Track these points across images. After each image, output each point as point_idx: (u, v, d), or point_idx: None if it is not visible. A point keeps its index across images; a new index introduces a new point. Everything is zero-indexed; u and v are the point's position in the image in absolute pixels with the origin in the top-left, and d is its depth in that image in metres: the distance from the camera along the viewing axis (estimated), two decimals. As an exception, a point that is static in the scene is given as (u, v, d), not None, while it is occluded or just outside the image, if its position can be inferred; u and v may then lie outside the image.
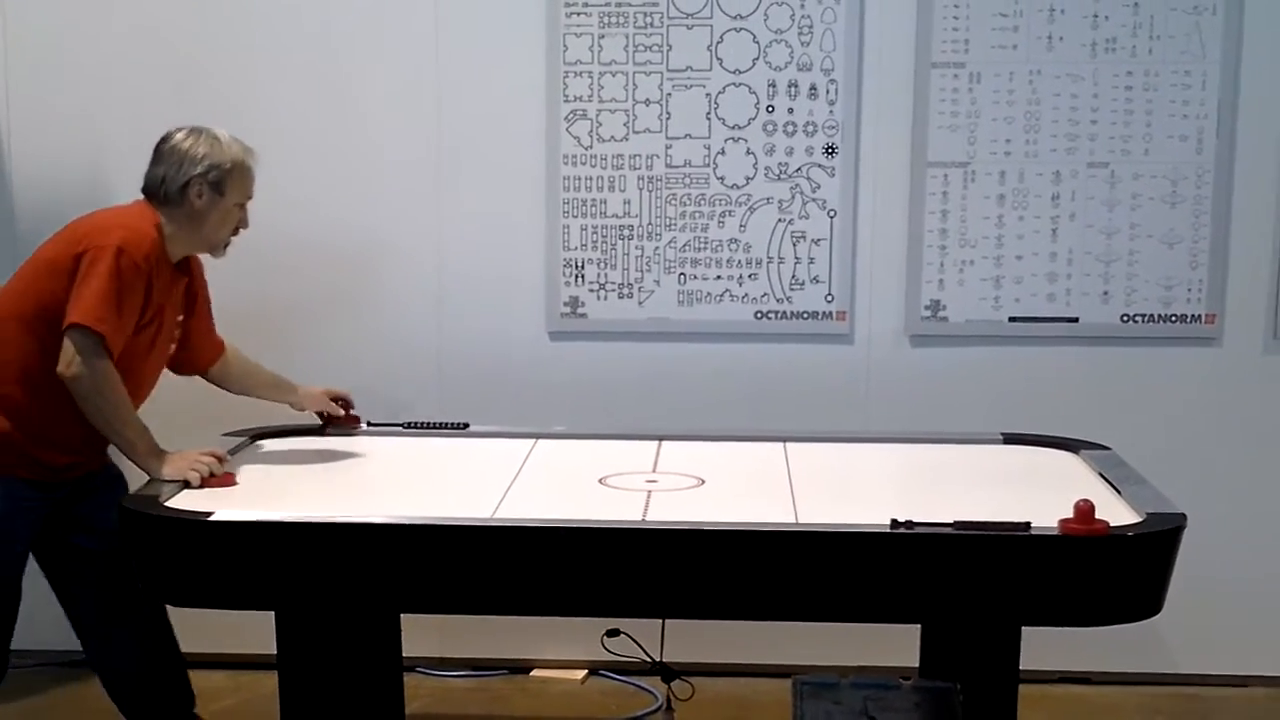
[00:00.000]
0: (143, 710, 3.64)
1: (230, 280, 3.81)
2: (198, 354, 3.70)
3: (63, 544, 3.50)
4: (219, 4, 4.50)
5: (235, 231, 3.53)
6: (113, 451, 3.49)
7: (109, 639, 3.60)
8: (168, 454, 3.36)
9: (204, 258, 3.61)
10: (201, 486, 3.30)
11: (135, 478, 3.51)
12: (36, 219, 4.54)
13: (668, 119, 4.47)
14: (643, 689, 4.53)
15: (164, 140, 3.50)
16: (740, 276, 4.51)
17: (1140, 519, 3.03)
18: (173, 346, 3.57)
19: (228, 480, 3.36)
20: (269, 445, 3.81)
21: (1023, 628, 3.16)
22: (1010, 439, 3.87)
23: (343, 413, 3.93)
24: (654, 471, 3.58)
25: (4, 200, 4.60)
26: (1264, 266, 4.42)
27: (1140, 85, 4.34)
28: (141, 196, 3.49)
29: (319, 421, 3.93)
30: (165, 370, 3.61)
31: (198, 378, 3.77)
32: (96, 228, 3.37)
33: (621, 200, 4.51)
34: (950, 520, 2.92)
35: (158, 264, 3.38)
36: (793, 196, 4.48)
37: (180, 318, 3.57)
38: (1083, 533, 2.89)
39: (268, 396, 3.87)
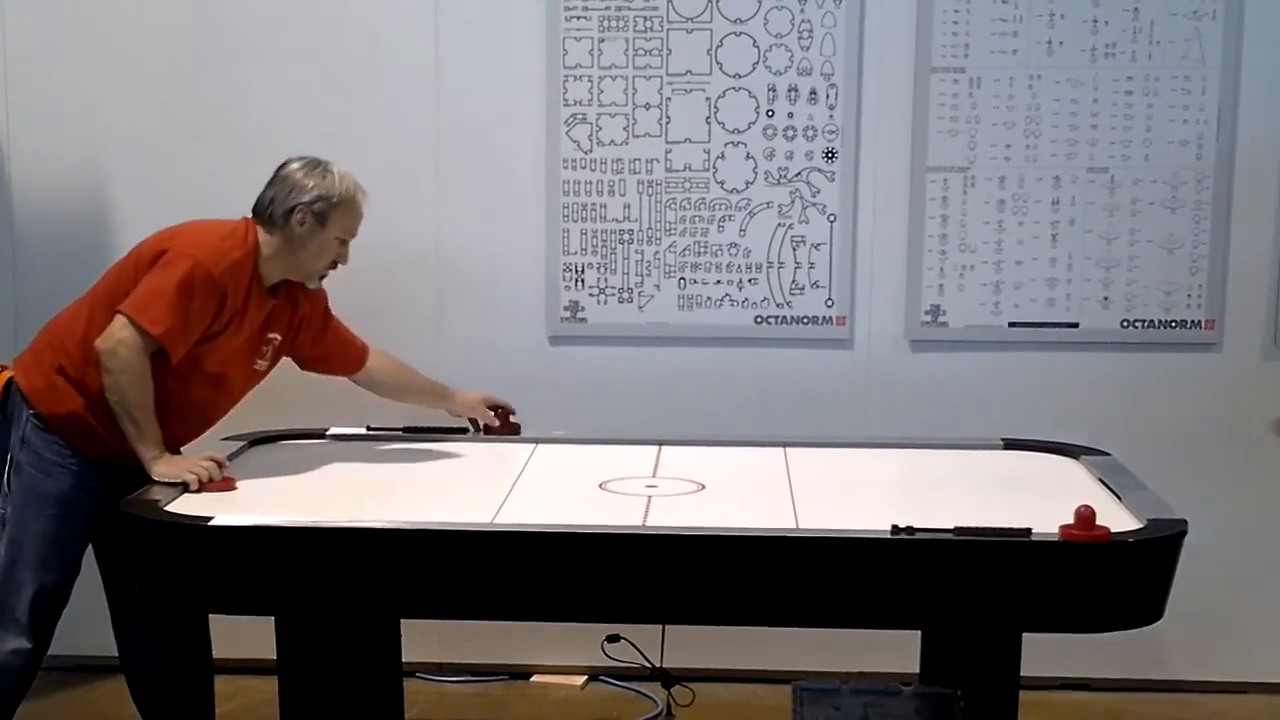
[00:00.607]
0: (163, 714, 3.69)
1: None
2: (338, 363, 3.85)
3: (119, 538, 3.51)
4: (218, 10, 4.50)
5: (333, 265, 3.60)
6: None
7: (147, 639, 3.66)
8: (169, 456, 3.37)
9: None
10: (200, 491, 3.30)
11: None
12: (35, 221, 4.55)
13: (668, 123, 4.47)
14: (643, 695, 4.52)
15: (282, 166, 3.58)
16: (740, 281, 4.51)
17: (1141, 525, 3.03)
18: (262, 363, 3.63)
19: (227, 485, 3.36)
20: (268, 450, 3.80)
21: (1023, 634, 3.15)
22: (1010, 444, 3.86)
23: (498, 422, 3.94)
24: (654, 477, 3.57)
25: (3, 202, 4.59)
26: (1264, 272, 4.42)
27: (1140, 90, 4.34)
28: (250, 215, 3.56)
29: (473, 430, 3.96)
30: None
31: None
32: (190, 233, 3.46)
33: (621, 204, 4.51)
34: (951, 526, 2.92)
35: (238, 281, 3.44)
36: (793, 201, 4.48)
37: (276, 337, 3.63)
38: (1083, 539, 2.89)
39: (422, 403, 3.94)
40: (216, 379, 3.52)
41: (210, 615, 3.17)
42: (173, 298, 3.32)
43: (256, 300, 3.51)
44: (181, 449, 3.53)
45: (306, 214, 3.49)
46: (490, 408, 3.95)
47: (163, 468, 3.33)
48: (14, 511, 3.47)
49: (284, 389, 4.36)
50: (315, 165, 3.55)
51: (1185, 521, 3.05)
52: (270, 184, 3.56)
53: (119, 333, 3.31)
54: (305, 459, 3.72)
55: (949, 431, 4.13)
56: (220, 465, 3.39)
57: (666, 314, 4.54)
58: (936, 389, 4.51)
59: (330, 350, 3.81)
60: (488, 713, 4.51)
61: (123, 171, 4.54)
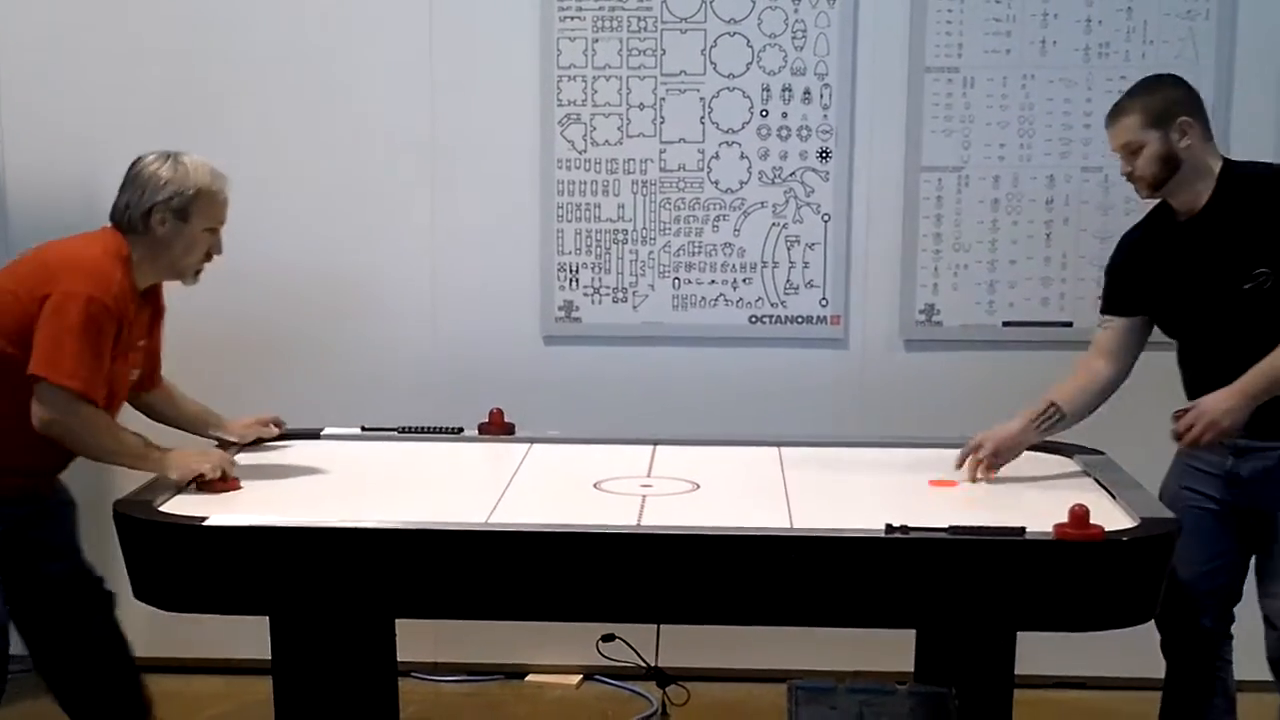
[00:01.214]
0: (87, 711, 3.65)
1: (224, 287, 3.79)
2: (147, 371, 3.63)
3: (31, 571, 3.49)
4: (211, 13, 4.50)
5: (208, 258, 3.48)
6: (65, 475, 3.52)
7: (63, 653, 3.59)
8: (169, 456, 3.34)
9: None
10: (209, 489, 3.29)
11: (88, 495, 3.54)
12: (29, 226, 4.54)
13: (662, 123, 4.47)
14: (638, 694, 4.53)
15: (133, 165, 3.45)
16: (734, 281, 4.51)
17: (1135, 524, 3.03)
18: (136, 372, 3.54)
19: (234, 485, 3.35)
20: (263, 450, 3.80)
21: (1018, 632, 3.16)
22: (1005, 443, 3.86)
23: (276, 430, 3.83)
24: (649, 476, 3.57)
25: (-3, 206, 4.59)
26: (1257, 271, 4.42)
27: (1134, 90, 4.34)
28: (109, 223, 3.45)
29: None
30: None
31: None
32: (65, 266, 3.29)
33: (616, 204, 4.51)
34: (945, 525, 2.92)
35: (126, 301, 3.33)
36: (787, 201, 4.48)
37: (142, 342, 3.53)
38: (1077, 537, 2.89)
39: (193, 429, 3.77)
40: (106, 399, 3.38)
41: (203, 615, 3.15)
42: (78, 346, 3.20)
43: (137, 312, 3.42)
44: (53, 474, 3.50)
45: (165, 212, 3.37)
46: (263, 424, 3.82)
47: (175, 474, 3.29)
48: None
49: (278, 389, 4.37)
50: (165, 158, 3.41)
51: (1179, 520, 3.06)
52: (124, 188, 3.42)
53: (46, 407, 3.20)
54: (300, 459, 3.72)
55: (943, 430, 4.11)
56: (231, 463, 3.39)
57: (661, 314, 4.54)
58: (931, 388, 4.51)
59: (151, 354, 3.64)
60: (483, 712, 4.51)
61: (117, 176, 4.51)
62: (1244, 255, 3.29)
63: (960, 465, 3.47)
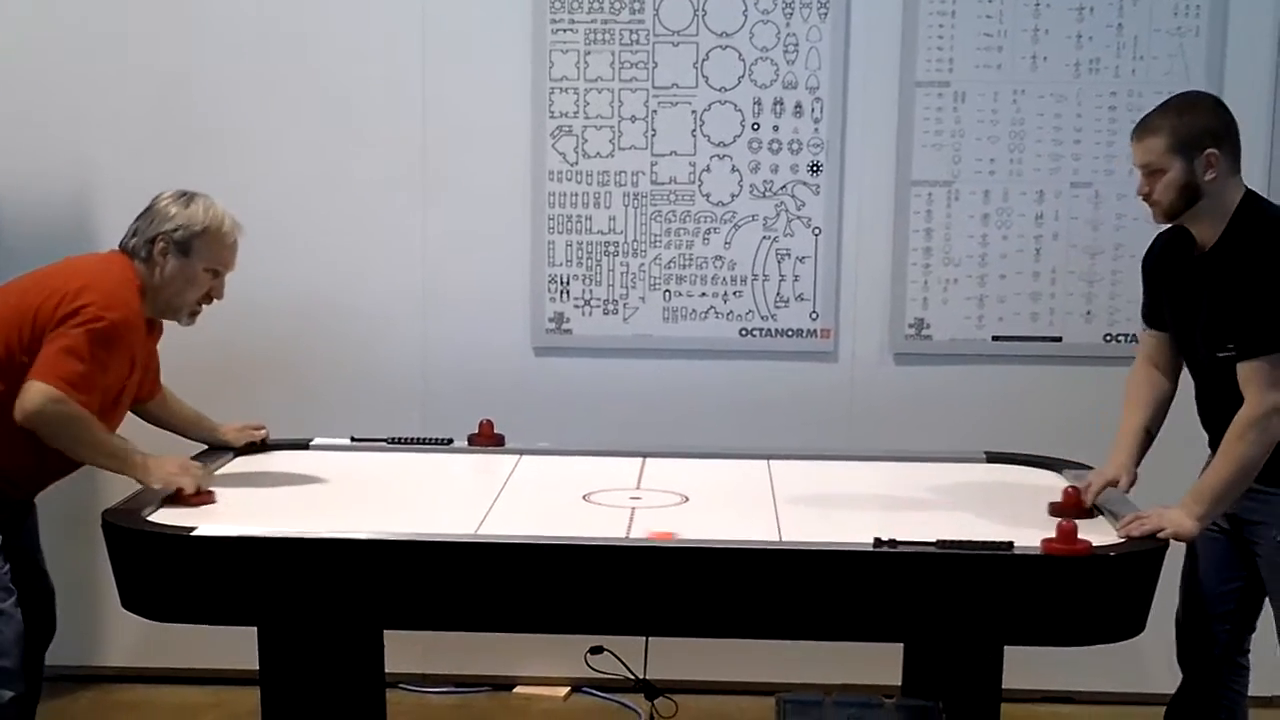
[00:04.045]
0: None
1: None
2: (148, 384, 3.67)
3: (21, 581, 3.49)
4: (203, 22, 4.49)
5: (207, 300, 3.51)
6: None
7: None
8: (151, 463, 3.35)
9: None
10: (184, 503, 3.28)
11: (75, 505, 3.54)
12: (21, 232, 4.54)
13: (653, 136, 4.48)
14: (626, 706, 4.52)
15: (154, 200, 3.51)
16: (725, 294, 4.52)
17: (1123, 539, 3.04)
18: (130, 393, 3.56)
19: (208, 498, 3.35)
20: (252, 460, 3.79)
21: (1005, 647, 3.16)
22: (993, 458, 3.87)
23: (265, 433, 3.88)
24: (638, 488, 3.58)
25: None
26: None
27: (1124, 106, 4.36)
28: (117, 248, 3.50)
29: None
30: None
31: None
32: (86, 287, 3.32)
33: (607, 217, 4.51)
34: (933, 539, 2.93)
35: (141, 328, 3.41)
36: (778, 214, 4.49)
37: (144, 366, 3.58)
38: (1065, 552, 2.90)
39: (188, 433, 3.81)
40: (109, 415, 3.44)
41: (191, 625, 3.15)
42: (82, 357, 3.24)
43: (147, 336, 3.50)
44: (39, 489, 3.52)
45: (168, 243, 3.42)
46: (253, 429, 3.87)
47: (158, 484, 3.30)
48: None
49: (268, 399, 4.37)
50: (182, 195, 3.49)
51: (1165, 539, 3.06)
52: (138, 217, 3.49)
53: (28, 398, 3.22)
54: (289, 469, 3.72)
55: (932, 444, 4.14)
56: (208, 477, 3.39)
57: (651, 326, 4.54)
58: (920, 402, 4.52)
59: (150, 368, 3.67)
60: (470, 724, 4.51)
61: (109, 188, 4.52)
62: (1223, 322, 3.19)
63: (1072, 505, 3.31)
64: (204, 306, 3.54)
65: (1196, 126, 3.19)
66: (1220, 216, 3.22)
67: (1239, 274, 3.16)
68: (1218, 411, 3.22)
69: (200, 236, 3.44)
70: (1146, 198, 3.26)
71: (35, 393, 3.22)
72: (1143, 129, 3.24)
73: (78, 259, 3.55)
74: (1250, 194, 3.27)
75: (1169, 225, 3.36)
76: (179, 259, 3.44)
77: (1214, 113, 3.25)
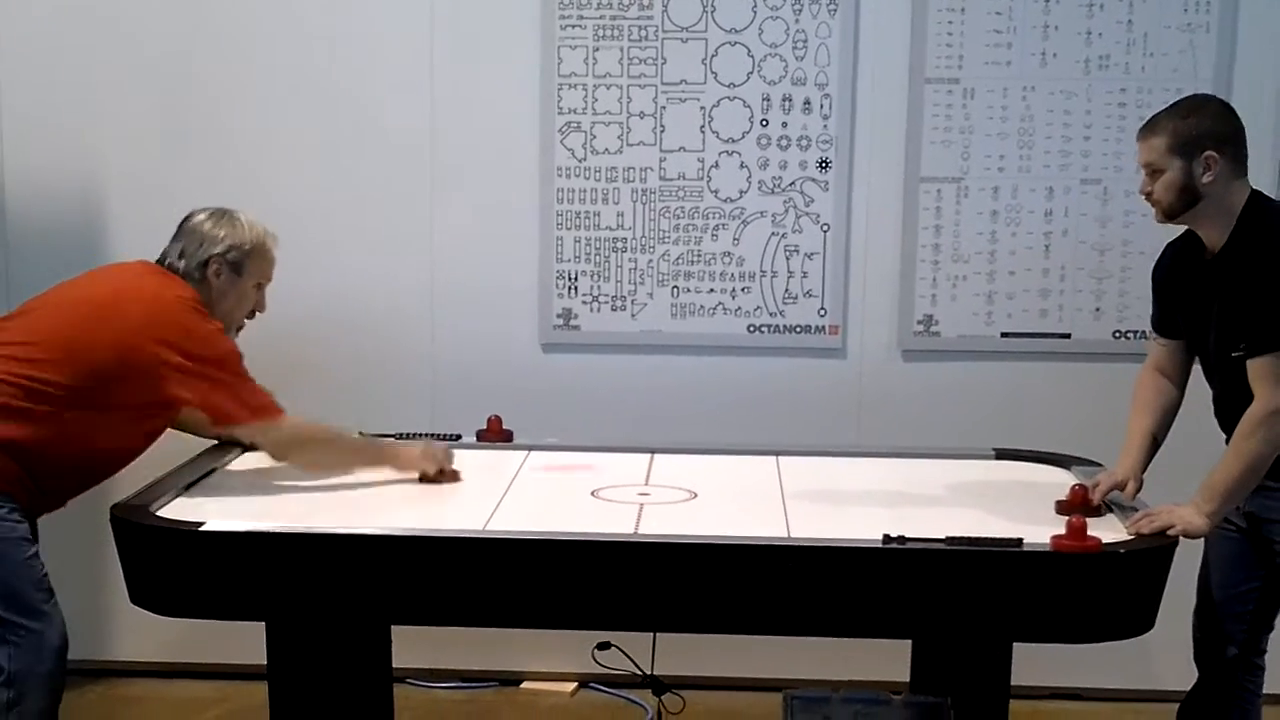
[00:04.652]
0: None
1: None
2: None
3: None
4: (211, 19, 4.49)
5: (251, 314, 3.62)
6: None
7: None
8: (403, 453, 3.54)
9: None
10: (435, 481, 3.49)
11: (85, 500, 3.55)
12: (29, 227, 4.54)
13: (662, 132, 4.47)
14: (633, 702, 4.52)
15: (186, 219, 3.57)
16: (733, 290, 4.52)
17: (1132, 536, 3.04)
18: None
19: (455, 477, 3.55)
20: (260, 456, 3.79)
21: (1014, 643, 3.16)
22: (1002, 454, 3.87)
23: None
24: (646, 484, 3.58)
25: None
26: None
27: (1133, 103, 4.35)
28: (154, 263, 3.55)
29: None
30: None
31: None
32: (194, 323, 3.39)
33: (615, 213, 4.51)
34: (942, 536, 2.92)
35: None
36: (786, 210, 4.48)
37: None
38: (1075, 549, 2.89)
39: (201, 431, 3.77)
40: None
41: (199, 620, 3.15)
42: (244, 376, 3.42)
43: None
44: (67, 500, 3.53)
45: (222, 265, 3.50)
46: None
47: (414, 471, 3.51)
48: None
49: (277, 395, 4.37)
50: (222, 215, 3.55)
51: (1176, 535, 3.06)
52: (177, 237, 3.54)
53: (273, 447, 3.49)
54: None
55: (941, 441, 4.13)
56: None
57: (659, 322, 4.54)
58: (929, 399, 4.51)
59: None
60: (478, 719, 4.51)
61: (116, 176, 4.53)
62: (1234, 323, 3.20)
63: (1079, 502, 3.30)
64: (247, 321, 3.63)
65: (1199, 128, 3.21)
66: (1225, 219, 3.24)
67: (1247, 274, 3.17)
68: (1237, 416, 3.21)
69: (250, 255, 3.54)
70: (1148, 197, 3.29)
71: (270, 439, 3.46)
72: (1147, 129, 3.28)
73: (122, 283, 3.50)
74: (1256, 195, 3.28)
75: (1178, 234, 3.39)
76: (232, 278, 3.52)
77: (1219, 116, 3.27)
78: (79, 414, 3.32)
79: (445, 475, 3.54)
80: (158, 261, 3.54)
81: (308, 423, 3.49)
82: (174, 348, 3.33)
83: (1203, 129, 3.21)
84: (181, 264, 3.50)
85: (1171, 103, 3.32)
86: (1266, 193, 4.26)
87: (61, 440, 3.32)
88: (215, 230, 3.51)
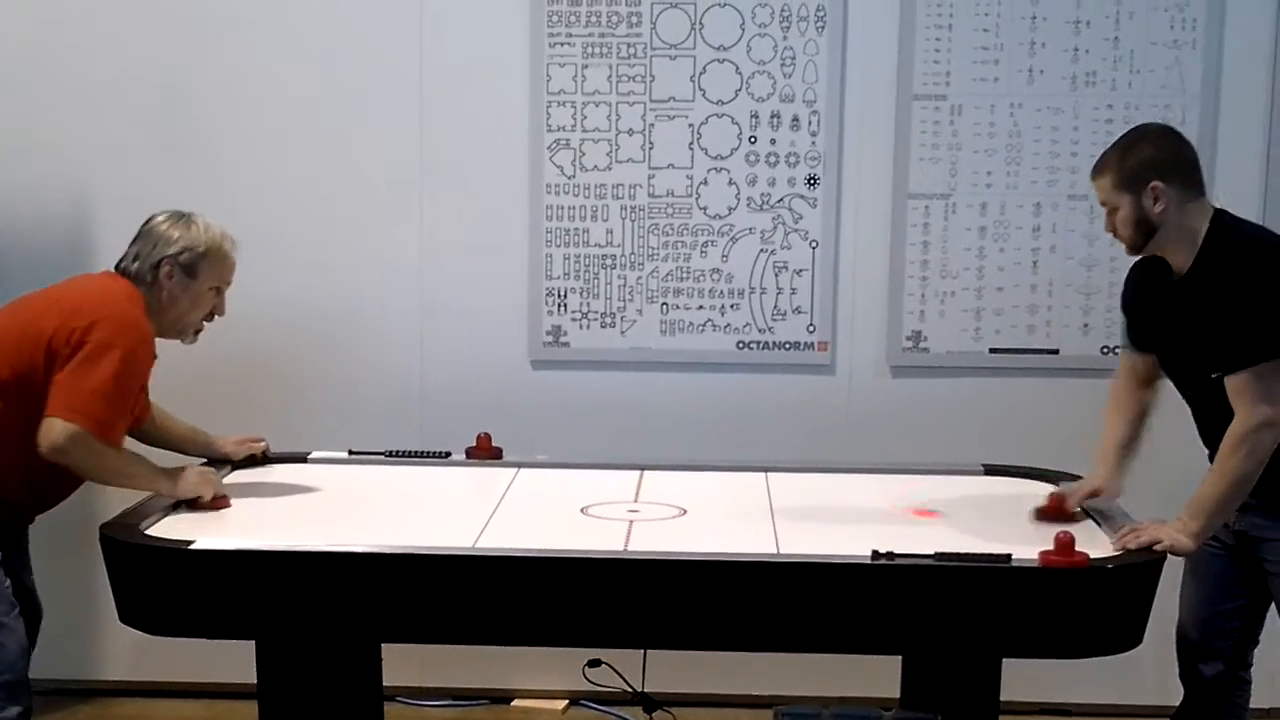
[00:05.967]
0: None
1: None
2: (140, 406, 3.65)
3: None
4: (201, 32, 4.49)
5: (209, 317, 3.56)
6: None
7: None
8: (176, 476, 3.40)
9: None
10: (202, 508, 3.34)
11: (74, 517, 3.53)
12: (16, 248, 4.54)
13: (650, 149, 4.48)
14: (624, 719, 4.52)
15: (147, 221, 3.53)
16: (722, 306, 4.52)
17: (1119, 551, 3.04)
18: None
19: (224, 503, 3.40)
20: (250, 474, 3.79)
21: (1003, 659, 3.16)
22: (991, 470, 3.88)
23: (265, 445, 3.90)
24: (636, 501, 3.58)
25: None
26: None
27: (1120, 119, 4.36)
28: (113, 270, 3.51)
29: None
30: None
31: None
32: (104, 317, 3.32)
33: (604, 230, 4.52)
34: (931, 551, 2.93)
35: (153, 351, 3.43)
36: (775, 227, 4.49)
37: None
38: (1063, 565, 2.90)
39: (183, 449, 3.82)
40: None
41: (189, 639, 3.15)
42: (108, 392, 3.26)
43: (151, 359, 3.49)
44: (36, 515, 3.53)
45: (174, 267, 3.45)
46: (253, 441, 3.89)
47: (181, 491, 3.36)
48: None
49: (266, 412, 4.37)
50: (180, 217, 3.51)
51: (1163, 551, 3.06)
52: (135, 240, 3.51)
53: (64, 444, 3.22)
54: (287, 483, 3.72)
55: (930, 457, 4.14)
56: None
57: (648, 339, 4.55)
58: (917, 414, 4.52)
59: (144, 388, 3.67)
60: (468, 737, 4.50)
61: (104, 196, 4.53)
62: (1208, 346, 3.20)
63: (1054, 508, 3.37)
64: (205, 324, 3.57)
65: (1139, 161, 3.21)
66: (1188, 243, 3.23)
67: (1216, 297, 3.17)
68: (1219, 432, 3.22)
69: (204, 257, 3.48)
70: (1114, 233, 3.31)
71: (60, 432, 3.23)
72: (1096, 168, 3.29)
73: (82, 283, 3.55)
74: (1219, 215, 3.27)
75: (1140, 257, 3.39)
76: (185, 280, 3.47)
77: (1160, 145, 3.25)
78: (11, 412, 3.30)
79: (217, 501, 3.40)
80: (116, 264, 3.51)
81: (103, 454, 3.28)
82: (65, 327, 3.28)
83: (1143, 161, 3.21)
84: (135, 266, 3.46)
85: (1117, 137, 3.33)
86: (1255, 207, 4.32)
87: (3, 443, 3.30)
88: (170, 231, 3.47)
